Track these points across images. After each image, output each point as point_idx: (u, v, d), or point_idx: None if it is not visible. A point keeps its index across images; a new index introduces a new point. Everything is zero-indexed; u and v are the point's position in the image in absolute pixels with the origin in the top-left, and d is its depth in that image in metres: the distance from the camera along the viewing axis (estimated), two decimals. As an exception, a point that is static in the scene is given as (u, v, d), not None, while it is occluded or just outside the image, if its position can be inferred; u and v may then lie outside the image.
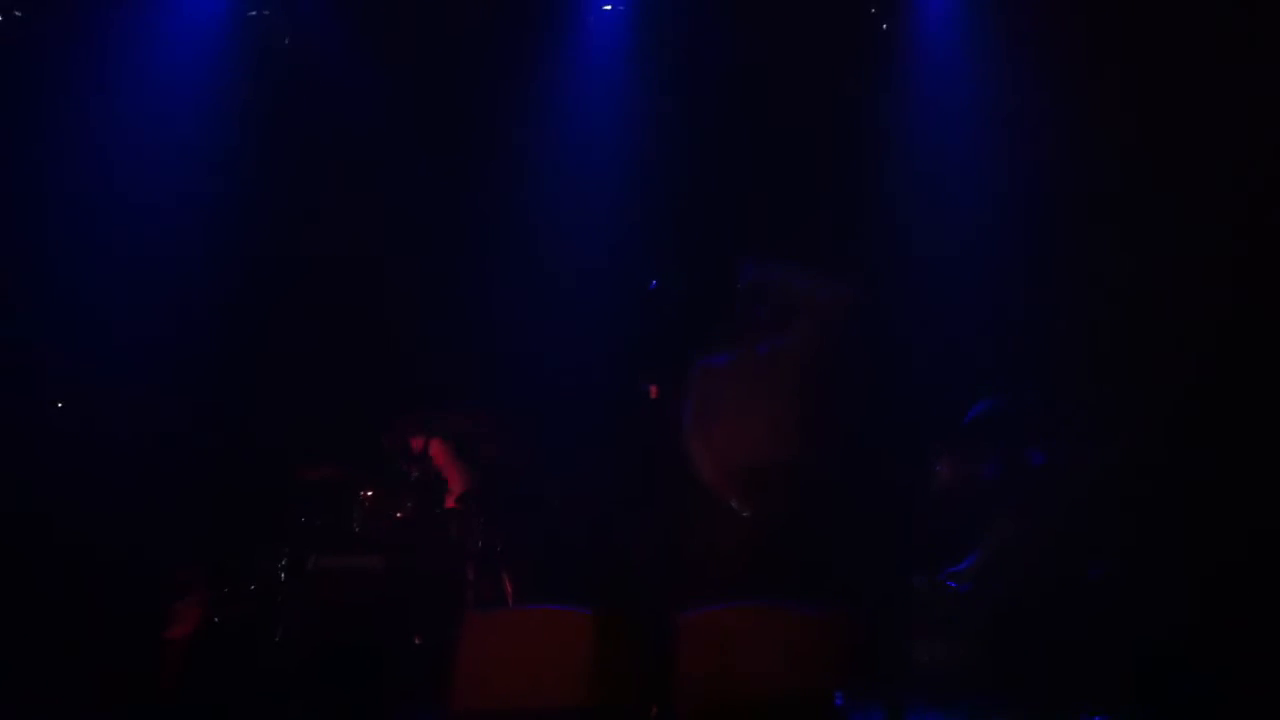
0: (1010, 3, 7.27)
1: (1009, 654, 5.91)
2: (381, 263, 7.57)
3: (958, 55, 7.47)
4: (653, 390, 6.17)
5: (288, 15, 7.42)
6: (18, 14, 7.30)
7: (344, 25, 7.51)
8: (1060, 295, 7.02)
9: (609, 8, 7.62)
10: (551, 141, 7.58)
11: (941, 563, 6.24)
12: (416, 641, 6.51)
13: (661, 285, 6.22)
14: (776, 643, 5.30)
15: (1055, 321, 7.00)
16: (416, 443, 6.85)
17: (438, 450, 6.87)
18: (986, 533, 6.20)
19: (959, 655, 5.96)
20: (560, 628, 5.42)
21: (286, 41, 7.47)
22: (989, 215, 7.24)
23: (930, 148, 7.37)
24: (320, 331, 7.46)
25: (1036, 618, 5.93)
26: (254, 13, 7.45)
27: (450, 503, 6.90)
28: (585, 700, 5.21)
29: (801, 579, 6.30)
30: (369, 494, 6.76)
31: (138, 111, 7.33)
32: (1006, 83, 7.29)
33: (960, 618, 6.01)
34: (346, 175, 7.64)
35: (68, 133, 7.25)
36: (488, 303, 7.45)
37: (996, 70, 7.34)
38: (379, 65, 7.56)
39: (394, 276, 7.59)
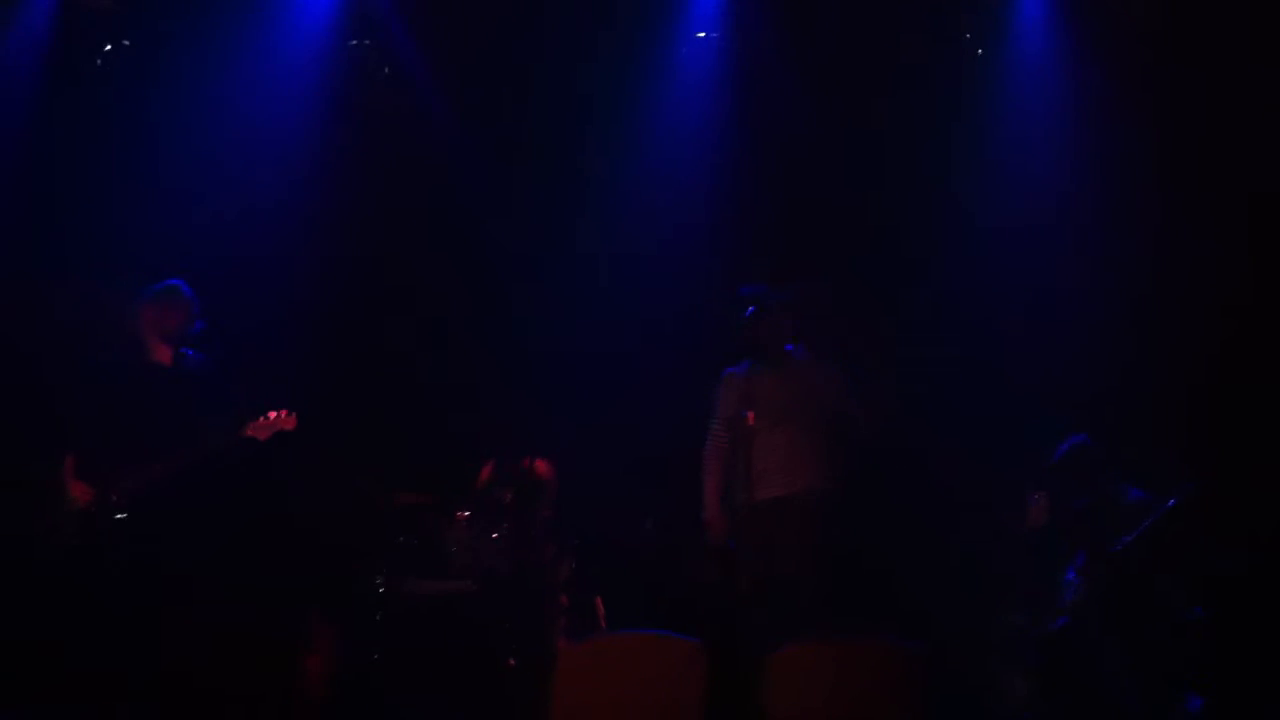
0: (1105, 34, 7.23)
1: (1098, 693, 5.91)
2: (470, 289, 7.67)
3: (1050, 81, 7.45)
4: (749, 417, 6.26)
5: (387, 46, 7.55)
6: (126, 43, 7.47)
7: (438, 58, 7.63)
8: (1153, 330, 7.00)
9: (702, 35, 7.65)
10: (641, 170, 7.64)
11: (1033, 600, 6.24)
12: (510, 664, 6.59)
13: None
14: (864, 678, 5.31)
15: (1148, 356, 6.97)
16: (518, 467, 6.96)
17: (540, 475, 6.97)
18: (1081, 569, 6.18)
19: (1049, 694, 5.96)
20: (654, 654, 5.45)
21: (386, 71, 7.59)
22: (1079, 249, 7.23)
23: (1022, 175, 7.36)
24: (418, 354, 7.56)
25: (1128, 657, 5.91)
26: (355, 42, 7.57)
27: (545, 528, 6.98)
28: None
29: (890, 615, 6.37)
30: (464, 517, 6.86)
31: (243, 131, 7.50)
32: (1098, 111, 7.27)
33: (1051, 656, 6.00)
34: (441, 203, 7.75)
35: (176, 149, 7.43)
36: (573, 330, 7.51)
37: (1089, 98, 7.31)
38: (468, 95, 7.67)
39: (483, 301, 7.69)
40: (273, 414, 6.05)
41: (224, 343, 6.42)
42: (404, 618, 6.69)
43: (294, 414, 6.05)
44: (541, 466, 6.92)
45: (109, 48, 7.47)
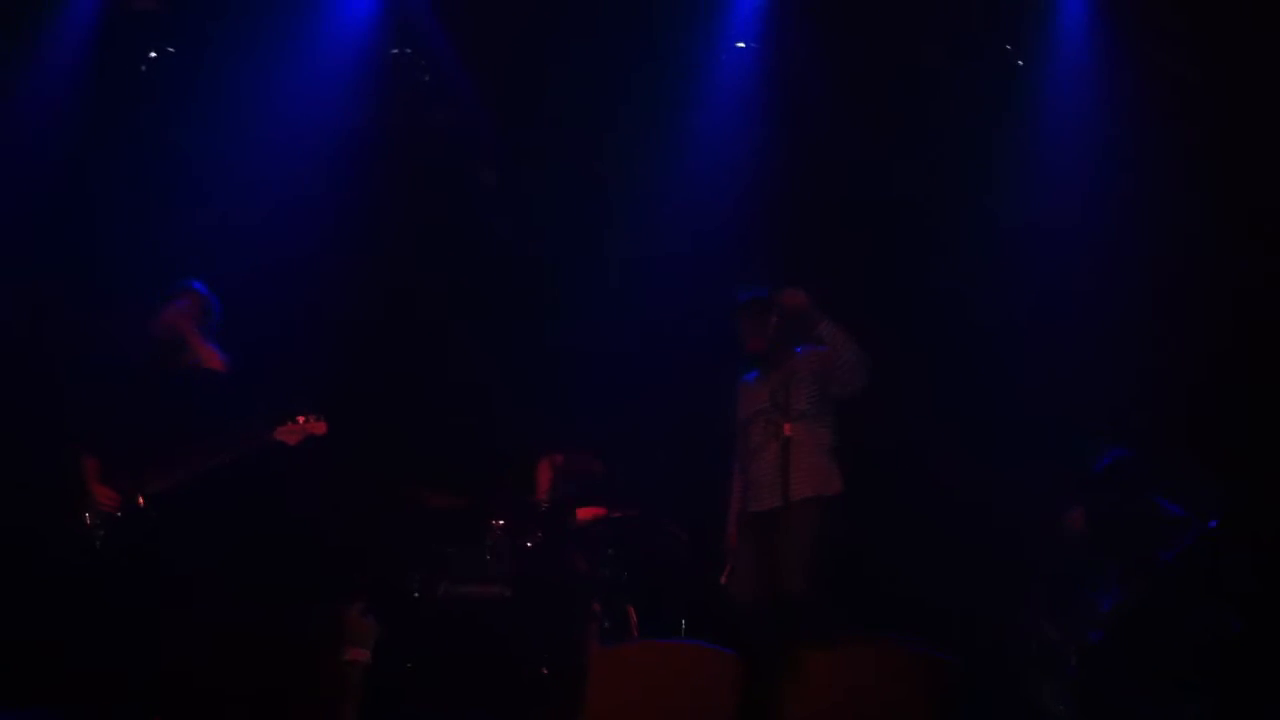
0: (1144, 44, 7.21)
1: (1133, 707, 5.88)
2: (506, 294, 7.70)
3: (1089, 93, 7.42)
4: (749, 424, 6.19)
5: (427, 55, 7.60)
6: (170, 50, 7.55)
7: (477, 66, 7.67)
8: (1191, 342, 6.97)
9: (741, 45, 7.68)
10: (677, 178, 7.64)
11: (1072, 611, 6.21)
12: (543, 671, 6.62)
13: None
14: (890, 679, 5.31)
15: (1185, 368, 6.93)
16: (548, 475, 6.98)
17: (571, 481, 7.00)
18: (1120, 582, 6.16)
19: (1084, 707, 5.93)
20: (687, 663, 5.48)
21: (426, 78, 7.64)
22: (1117, 260, 7.20)
23: (1060, 185, 7.34)
24: (453, 359, 7.61)
25: (1169, 668, 5.88)
26: (396, 50, 7.62)
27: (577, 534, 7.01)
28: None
29: (924, 626, 6.33)
30: (500, 524, 6.89)
31: (283, 137, 7.54)
32: (1136, 120, 7.24)
33: (1087, 669, 5.98)
34: (477, 208, 7.79)
35: (218, 154, 7.50)
36: (610, 335, 7.52)
37: (1127, 108, 7.29)
38: (506, 101, 7.71)
39: (520, 306, 7.72)
40: (302, 418, 6.06)
41: (258, 345, 6.45)
42: (438, 622, 6.72)
43: (323, 419, 6.05)
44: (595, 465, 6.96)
45: (154, 54, 7.54)
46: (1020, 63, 7.48)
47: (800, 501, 5.87)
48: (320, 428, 6.02)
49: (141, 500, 6.04)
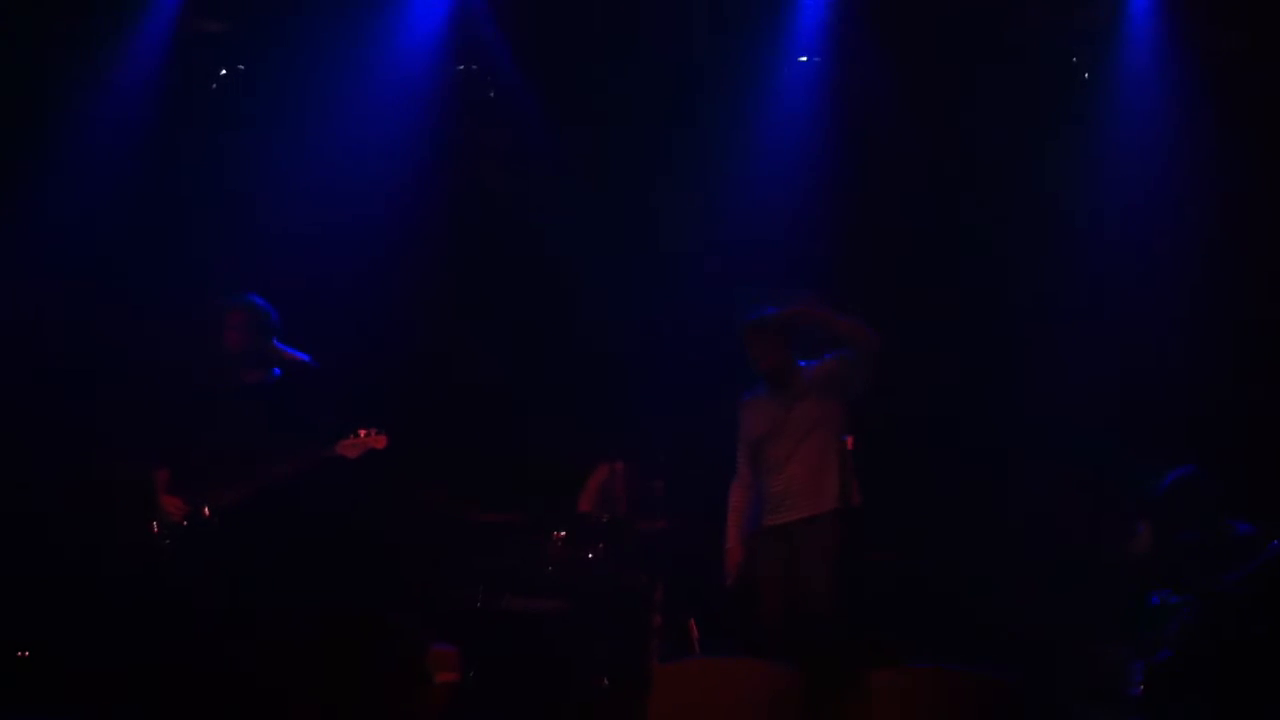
0: (1213, 64, 7.13)
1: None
2: (568, 309, 7.74)
3: (1156, 104, 7.35)
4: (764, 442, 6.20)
5: (493, 71, 7.66)
6: (241, 67, 7.66)
7: (541, 80, 7.72)
8: (1252, 344, 6.88)
9: (804, 60, 7.67)
10: (742, 192, 7.64)
11: (1141, 628, 6.14)
12: (603, 684, 6.63)
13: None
14: (966, 709, 5.27)
15: (1254, 383, 6.85)
16: (598, 482, 7.01)
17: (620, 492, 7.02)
18: (1187, 604, 6.08)
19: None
20: (748, 679, 5.44)
21: (491, 95, 7.70)
22: (1181, 273, 7.12)
23: (1127, 196, 7.29)
24: (514, 372, 7.64)
25: (1236, 691, 5.80)
26: (461, 67, 7.68)
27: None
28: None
29: (986, 645, 6.29)
30: (560, 536, 6.91)
31: (350, 149, 7.63)
32: (1202, 130, 7.17)
33: (1153, 689, 5.91)
34: (538, 221, 7.83)
35: (285, 171, 7.58)
36: (670, 348, 7.51)
37: (1192, 118, 7.22)
38: (570, 115, 7.75)
39: (582, 320, 7.74)
40: (363, 432, 6.11)
41: (321, 358, 6.52)
42: (499, 635, 6.75)
43: (384, 434, 6.11)
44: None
45: (224, 71, 7.65)
46: (1077, 64, 7.40)
47: (826, 515, 6.02)
48: (381, 442, 6.08)
49: (207, 512, 6.13)
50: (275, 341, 6.40)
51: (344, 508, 6.69)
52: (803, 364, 6.27)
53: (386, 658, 5.65)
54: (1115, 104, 7.42)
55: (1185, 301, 7.09)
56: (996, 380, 7.29)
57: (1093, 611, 6.36)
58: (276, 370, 6.33)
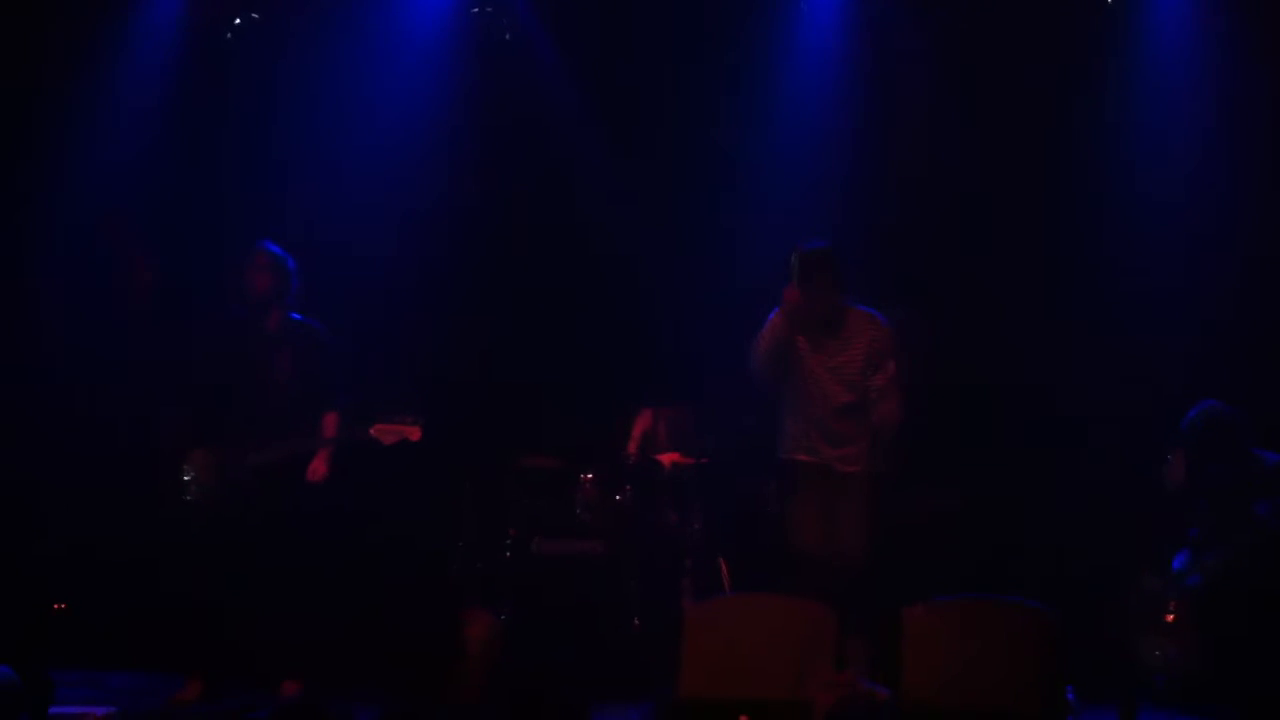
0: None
1: (1238, 656, 5.80)
2: (596, 258, 7.71)
3: (1180, 73, 7.24)
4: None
5: (508, 12, 7.60)
6: (255, 15, 7.62)
7: (558, 26, 7.67)
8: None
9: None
10: (758, 149, 7.58)
11: (1174, 561, 6.13)
12: (636, 625, 6.65)
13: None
14: (1000, 637, 5.27)
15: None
16: (642, 428, 7.01)
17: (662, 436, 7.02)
18: (1218, 533, 6.06)
19: (1189, 656, 5.86)
20: (781, 616, 5.45)
21: (507, 36, 7.64)
22: (1211, 214, 7.05)
23: (1155, 146, 7.18)
24: (542, 320, 7.63)
25: (1264, 621, 5.80)
26: (476, 9, 7.63)
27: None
28: (805, 689, 5.22)
29: (1025, 578, 6.28)
30: (589, 479, 6.92)
31: (368, 97, 7.61)
32: (1231, 98, 7.06)
33: (1192, 618, 5.90)
34: (560, 177, 7.78)
35: (302, 122, 7.57)
36: (694, 299, 7.49)
37: (1227, 61, 7.11)
38: (586, 71, 7.71)
39: (605, 271, 7.72)
40: (400, 422, 6.08)
41: (345, 318, 6.52)
42: (531, 578, 6.78)
43: (420, 424, 6.08)
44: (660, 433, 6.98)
45: (238, 20, 7.61)
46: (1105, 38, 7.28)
47: (862, 474, 5.93)
48: (415, 433, 6.06)
49: (237, 473, 6.12)
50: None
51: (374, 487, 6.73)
52: (853, 317, 6.05)
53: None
54: (1149, 71, 7.27)
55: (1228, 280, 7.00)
56: (1038, 331, 7.22)
57: (1131, 542, 6.34)
58: (296, 315, 6.31)
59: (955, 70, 7.38)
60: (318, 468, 6.13)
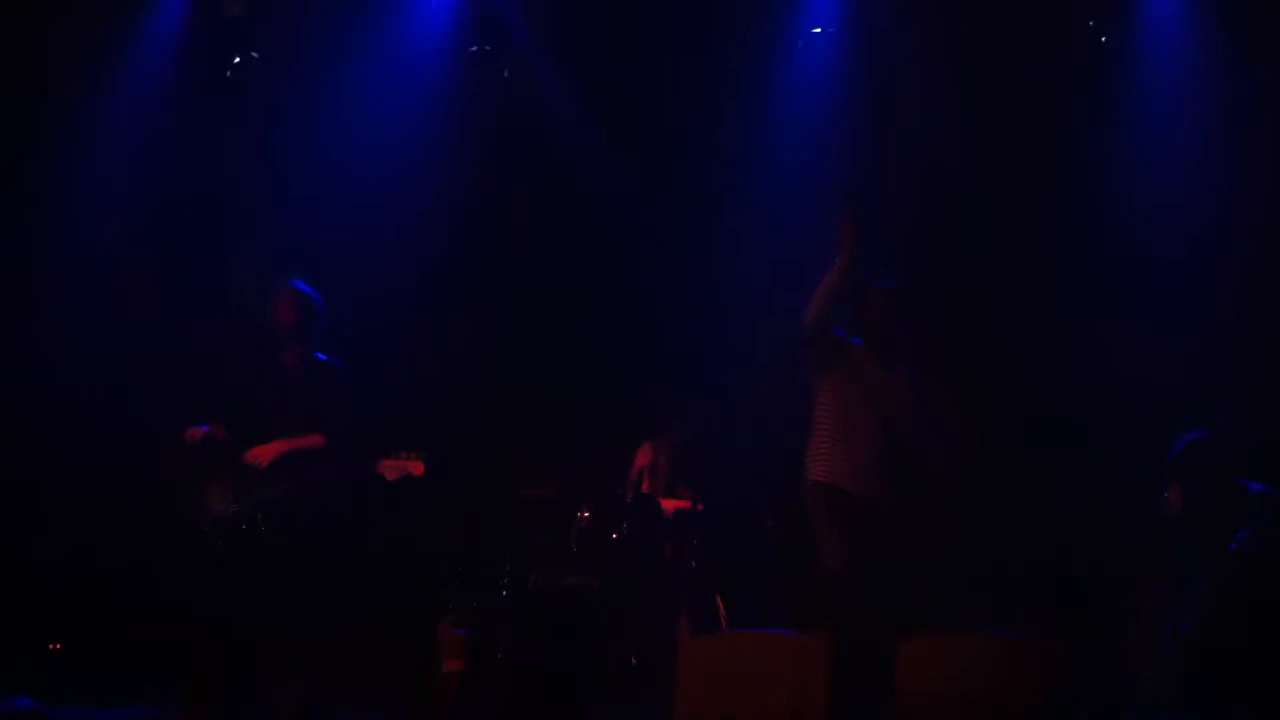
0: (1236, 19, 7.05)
1: (1237, 687, 5.78)
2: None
3: (1179, 73, 7.27)
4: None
5: (507, 51, 7.66)
6: (254, 55, 7.68)
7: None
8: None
9: (818, 30, 7.62)
10: (757, 156, 7.60)
11: (1169, 592, 6.12)
12: (632, 662, 6.64)
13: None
14: (998, 672, 5.26)
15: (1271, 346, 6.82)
16: (642, 463, 7.03)
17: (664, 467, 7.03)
18: (1208, 566, 6.06)
19: (1187, 688, 5.84)
20: (776, 652, 5.44)
21: (506, 74, 7.70)
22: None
23: (1150, 166, 7.21)
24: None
25: (1259, 653, 5.78)
26: (475, 48, 7.69)
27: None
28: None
29: (1025, 609, 6.27)
30: (586, 514, 6.92)
31: (369, 128, 7.65)
32: (1230, 98, 7.09)
33: (1188, 649, 5.88)
34: (562, 194, 7.80)
35: (302, 156, 7.61)
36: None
37: (1220, 88, 7.14)
38: (585, 91, 7.74)
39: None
40: (405, 456, 6.10)
41: (349, 338, 6.54)
42: (527, 613, 6.78)
43: (423, 459, 6.10)
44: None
45: (238, 59, 7.66)
46: (1104, 39, 7.33)
47: (890, 510, 5.87)
48: (419, 468, 6.08)
49: (241, 505, 6.12)
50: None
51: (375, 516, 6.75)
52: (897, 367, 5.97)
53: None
54: (1144, 74, 7.29)
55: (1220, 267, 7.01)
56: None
57: (1131, 575, 6.32)
58: (320, 355, 6.33)
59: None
60: (261, 454, 6.13)
